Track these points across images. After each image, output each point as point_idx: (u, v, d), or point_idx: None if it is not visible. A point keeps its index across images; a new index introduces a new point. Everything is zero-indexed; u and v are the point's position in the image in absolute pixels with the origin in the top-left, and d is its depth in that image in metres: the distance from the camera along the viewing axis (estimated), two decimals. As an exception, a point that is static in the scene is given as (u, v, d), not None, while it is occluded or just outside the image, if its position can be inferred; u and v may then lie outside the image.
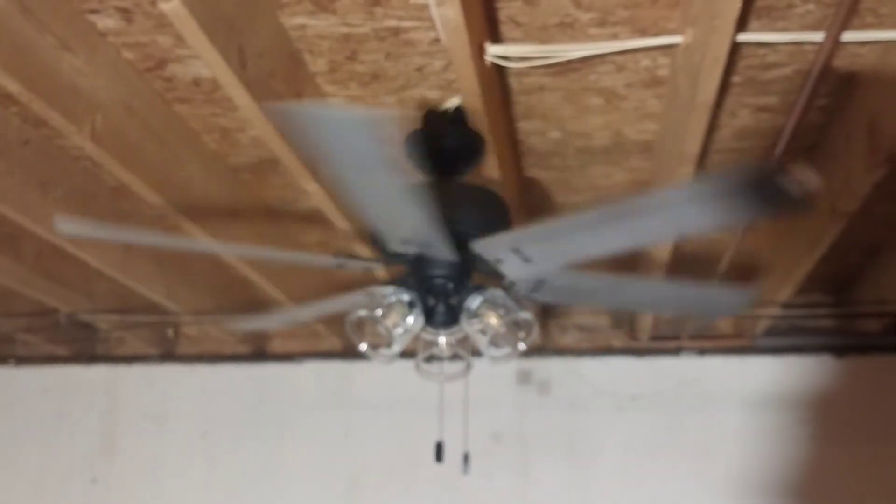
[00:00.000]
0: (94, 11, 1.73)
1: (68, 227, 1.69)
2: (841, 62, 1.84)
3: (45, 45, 1.66)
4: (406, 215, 1.41)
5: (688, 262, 2.88)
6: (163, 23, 1.74)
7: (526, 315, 1.69)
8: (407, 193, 1.32)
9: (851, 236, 2.50)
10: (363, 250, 2.60)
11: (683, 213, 1.37)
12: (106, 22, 1.77)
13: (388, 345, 1.68)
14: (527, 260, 1.58)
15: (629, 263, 2.82)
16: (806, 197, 1.22)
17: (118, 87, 1.89)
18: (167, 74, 1.96)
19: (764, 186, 1.24)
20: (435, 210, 1.41)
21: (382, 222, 1.46)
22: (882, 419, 3.28)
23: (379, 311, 1.65)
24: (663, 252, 2.60)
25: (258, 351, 3.79)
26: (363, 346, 1.69)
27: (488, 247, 1.61)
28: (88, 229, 1.83)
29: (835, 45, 1.56)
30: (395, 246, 1.56)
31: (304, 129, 1.12)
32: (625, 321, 3.57)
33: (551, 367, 3.56)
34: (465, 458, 2.28)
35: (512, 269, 1.63)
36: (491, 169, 2.09)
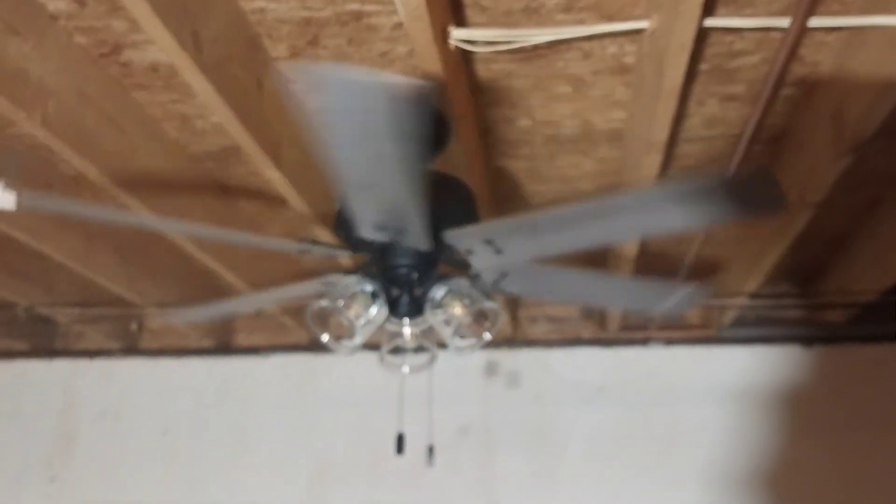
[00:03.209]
0: (44, -7, 1.68)
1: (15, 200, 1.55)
2: (807, 50, 1.83)
3: (-11, 27, 1.60)
4: (392, 199, 1.36)
5: (655, 251, 2.88)
6: (117, 6, 1.68)
7: (491, 304, 1.66)
8: (407, 175, 1.27)
9: (817, 227, 2.51)
10: (326, 239, 2.55)
11: (658, 213, 1.37)
12: (57, 5, 1.70)
13: (351, 336, 1.65)
14: (498, 252, 1.56)
15: (597, 254, 2.81)
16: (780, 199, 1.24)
17: (70, 72, 1.83)
18: (123, 60, 1.90)
19: (741, 190, 1.25)
20: (422, 199, 1.37)
21: (363, 204, 1.41)
22: (847, 408, 3.31)
23: (341, 302, 1.61)
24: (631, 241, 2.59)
25: (223, 345, 3.72)
26: (325, 338, 1.66)
27: (461, 237, 1.58)
28: (43, 201, 1.70)
29: (801, 30, 1.55)
30: (366, 232, 1.52)
31: (318, 92, 1.04)
32: (594, 312, 3.57)
33: (519, 359, 3.55)
34: (430, 450, 2.25)
35: (481, 260, 1.60)
36: (457, 157, 2.06)
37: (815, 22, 1.59)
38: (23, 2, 1.66)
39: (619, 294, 2.12)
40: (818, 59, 1.87)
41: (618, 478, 3.36)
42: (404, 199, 1.37)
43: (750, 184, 1.30)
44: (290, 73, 1.03)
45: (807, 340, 3.40)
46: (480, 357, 3.55)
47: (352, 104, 1.06)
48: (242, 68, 1.77)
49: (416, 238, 1.54)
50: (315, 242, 1.68)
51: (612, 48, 1.82)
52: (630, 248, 2.63)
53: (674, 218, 1.39)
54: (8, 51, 1.66)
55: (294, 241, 1.65)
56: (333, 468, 3.51)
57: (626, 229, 1.59)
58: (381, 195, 1.35)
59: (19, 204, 1.39)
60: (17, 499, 3.63)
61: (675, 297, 1.89)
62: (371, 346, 1.75)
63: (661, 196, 1.36)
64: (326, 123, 1.11)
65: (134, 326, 3.73)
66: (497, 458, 3.46)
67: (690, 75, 1.86)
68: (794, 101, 2.05)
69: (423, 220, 1.46)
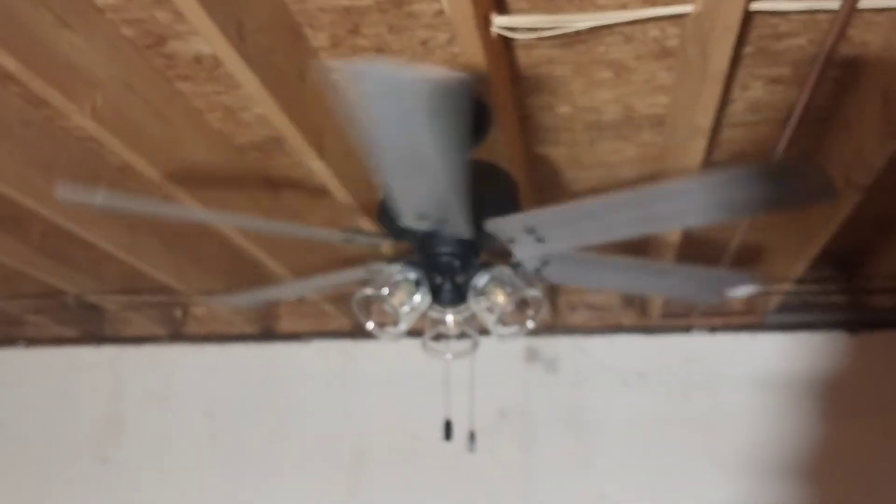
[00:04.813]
0: (92, -13, 1.70)
1: (72, 195, 1.64)
2: (855, 31, 1.79)
3: (42, 21, 1.63)
4: (433, 188, 1.38)
5: (699, 236, 2.84)
6: (162, -2, 1.71)
7: (534, 292, 1.66)
8: (445, 165, 1.29)
9: (863, 211, 2.46)
10: (369, 228, 2.57)
11: (701, 203, 1.39)
12: (105, -2, 1.74)
13: (395, 323, 1.66)
14: (540, 240, 1.58)
15: (639, 242, 2.78)
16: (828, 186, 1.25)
17: (117, 64, 1.86)
18: (167, 51, 1.93)
19: (783, 178, 1.26)
20: (464, 187, 1.39)
21: (405, 193, 1.42)
22: (892, 396, 3.25)
23: (385, 290, 1.63)
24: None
25: (266, 331, 3.78)
26: (370, 325, 1.68)
27: (503, 226, 1.60)
28: (95, 197, 1.75)
29: (852, 11, 1.52)
30: (409, 221, 1.53)
31: (354, 85, 1.07)
32: (636, 299, 3.54)
33: (559, 346, 3.54)
34: (471, 435, 2.26)
35: (524, 249, 1.62)
36: (498, 145, 2.06)
37: (865, 3, 1.56)
38: (72, -4, 1.70)
39: (667, 282, 2.12)
40: (867, 40, 1.83)
41: (657, 462, 3.35)
42: (444, 189, 1.38)
43: (795, 170, 1.30)
44: (333, 68, 1.06)
45: (852, 326, 3.34)
46: (520, 343, 3.55)
47: (392, 97, 1.08)
48: (285, 58, 1.79)
49: (458, 227, 1.55)
50: (358, 231, 1.70)
51: (654, 32, 1.80)
52: (673, 234, 2.60)
53: (718, 207, 1.39)
54: (60, 44, 1.70)
55: (338, 231, 1.67)
56: (373, 452, 3.55)
57: (669, 219, 1.60)
58: (422, 185, 1.36)
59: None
60: (71, 478, 3.74)
61: (729, 286, 1.90)
62: (412, 331, 1.77)
63: (704, 185, 1.37)
64: (368, 116, 1.13)
65: (179, 313, 3.80)
66: (536, 441, 3.47)
67: (735, 59, 1.82)
68: (841, 83, 2.01)
69: (464, 208, 1.47)
